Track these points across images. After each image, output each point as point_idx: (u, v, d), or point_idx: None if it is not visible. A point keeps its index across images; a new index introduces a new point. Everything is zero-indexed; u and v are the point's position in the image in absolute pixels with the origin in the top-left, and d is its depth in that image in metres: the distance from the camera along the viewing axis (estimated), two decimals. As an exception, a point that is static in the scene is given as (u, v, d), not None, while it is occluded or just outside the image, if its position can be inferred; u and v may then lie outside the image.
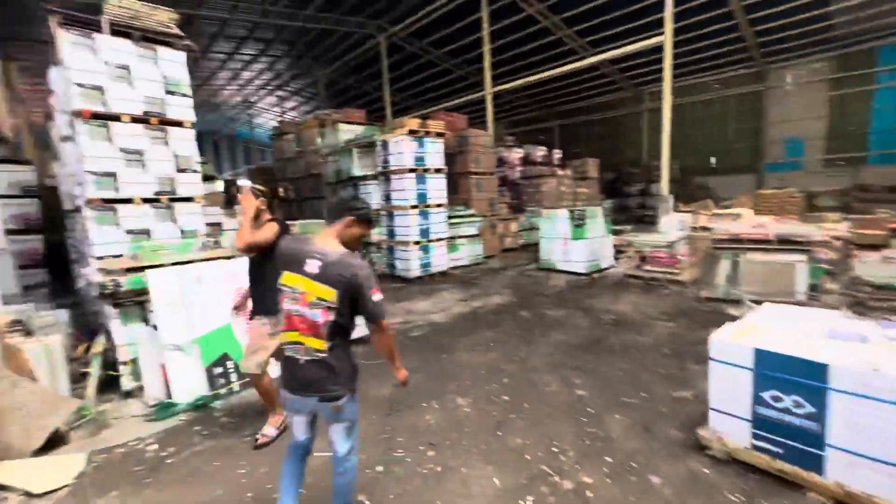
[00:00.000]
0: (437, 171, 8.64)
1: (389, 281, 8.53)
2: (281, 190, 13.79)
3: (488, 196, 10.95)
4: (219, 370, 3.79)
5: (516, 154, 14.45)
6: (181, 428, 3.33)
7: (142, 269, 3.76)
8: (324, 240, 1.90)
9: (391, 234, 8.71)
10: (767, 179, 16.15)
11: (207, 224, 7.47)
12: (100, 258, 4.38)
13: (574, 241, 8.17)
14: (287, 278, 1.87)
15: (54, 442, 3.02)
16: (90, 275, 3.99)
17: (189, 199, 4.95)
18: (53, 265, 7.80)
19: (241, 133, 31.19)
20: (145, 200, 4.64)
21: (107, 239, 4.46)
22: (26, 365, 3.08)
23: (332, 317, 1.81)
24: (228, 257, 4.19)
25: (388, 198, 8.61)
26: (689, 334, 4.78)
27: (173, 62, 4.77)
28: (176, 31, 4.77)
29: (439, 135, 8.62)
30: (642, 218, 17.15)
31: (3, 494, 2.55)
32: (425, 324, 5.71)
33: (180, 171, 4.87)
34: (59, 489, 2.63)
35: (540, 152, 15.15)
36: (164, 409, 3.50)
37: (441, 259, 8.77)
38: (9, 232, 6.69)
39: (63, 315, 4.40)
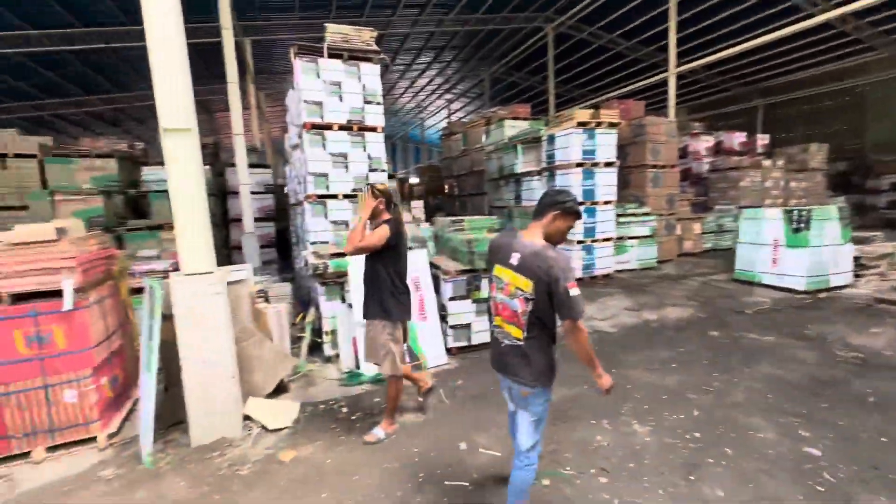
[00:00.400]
0: (608, 164, 7.90)
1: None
2: (446, 187, 14.76)
3: (667, 192, 9.56)
4: (396, 350, 4.18)
5: (705, 142, 12.29)
6: (364, 396, 3.77)
7: (343, 254, 4.39)
8: (530, 234, 1.94)
9: (552, 231, 8.36)
10: None
11: None
12: (313, 243, 5.32)
13: (790, 248, 6.45)
14: (496, 269, 2.01)
15: (279, 389, 3.77)
16: (307, 256, 4.86)
17: (377, 195, 5.60)
18: (280, 247, 9.94)
19: (412, 135, 34.59)
20: (345, 196, 5.43)
21: (318, 228, 5.38)
22: (266, 325, 3.91)
23: (529, 307, 1.86)
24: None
25: (551, 194, 8.27)
26: None
27: (371, 75, 5.43)
28: (374, 47, 5.41)
29: (612, 125, 7.86)
30: (892, 221, 12.75)
31: (249, 423, 3.28)
32: (590, 331, 5.27)
33: (371, 170, 5.54)
34: (283, 429, 3.25)
35: (737, 139, 12.56)
36: (353, 377, 4.02)
37: (606, 261, 8.03)
38: (254, 220, 8.72)
39: (286, 287, 5.49)
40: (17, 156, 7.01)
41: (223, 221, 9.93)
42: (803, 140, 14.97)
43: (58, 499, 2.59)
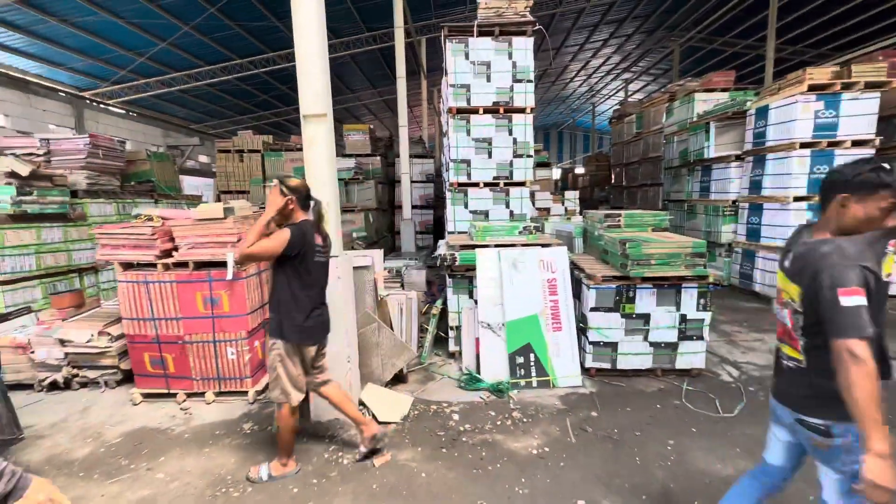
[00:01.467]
0: (858, 143, 5.49)
1: (739, 297, 6.34)
2: (612, 176, 13.00)
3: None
4: (520, 359, 3.64)
5: None
6: (479, 406, 3.37)
7: (473, 247, 4.04)
8: (818, 228, 1.46)
9: (752, 233, 6.36)
10: None
11: (539, 209, 7.80)
12: (450, 233, 5.14)
13: None
14: (778, 274, 1.60)
15: (397, 379, 3.69)
16: (440, 246, 4.69)
17: (521, 183, 5.06)
18: (436, 234, 10.33)
19: (581, 123, 32.19)
20: (486, 184, 5.05)
21: (458, 217, 5.17)
22: (388, 313, 3.88)
23: (800, 322, 1.43)
24: (546, 245, 3.94)
25: (757, 184, 6.27)
26: None
27: (524, 50, 4.85)
28: (528, 17, 4.81)
29: (873, 86, 5.39)
30: None
31: (363, 409, 3.25)
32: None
33: (517, 156, 5.01)
34: (390, 423, 3.12)
35: None
36: (471, 381, 3.66)
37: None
38: (413, 206, 9.19)
39: (422, 275, 5.48)
40: (250, 151, 8.90)
41: (391, 207, 10.87)
42: None
43: (210, 439, 2.99)
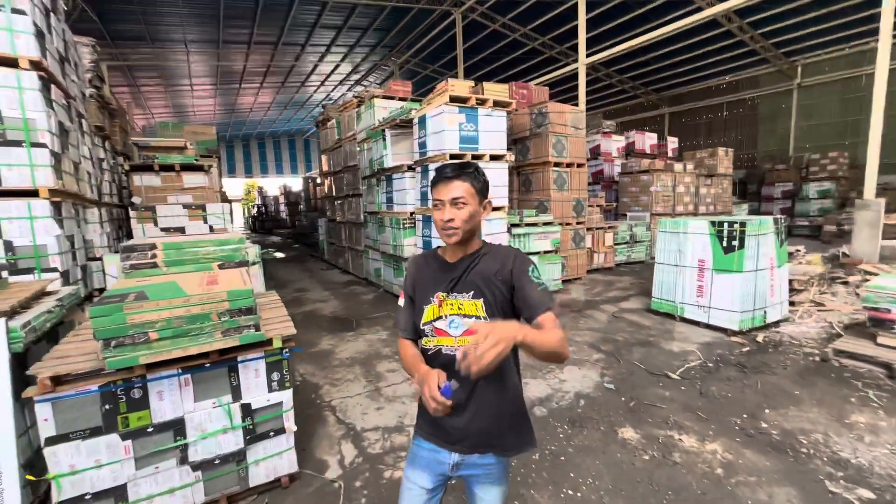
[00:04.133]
0: (495, 158, 5.74)
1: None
2: (325, 187, 11.91)
3: (574, 196, 7.69)
4: None
5: (616, 142, 10.83)
6: None
7: None
8: None
9: (427, 246, 6.04)
10: None
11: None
12: None
13: (720, 273, 4.68)
14: None
15: None
16: None
17: (29, 192, 2.79)
18: None
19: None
20: None
21: None
22: None
23: None
24: None
25: (424, 196, 5.95)
26: None
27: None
28: None
29: (500, 105, 5.70)
30: (790, 230, 12.33)
31: None
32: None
33: (2, 144, 2.72)
34: None
35: (649, 140, 11.30)
36: None
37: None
38: None
39: None
40: None
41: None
42: (706, 148, 14.45)
43: None
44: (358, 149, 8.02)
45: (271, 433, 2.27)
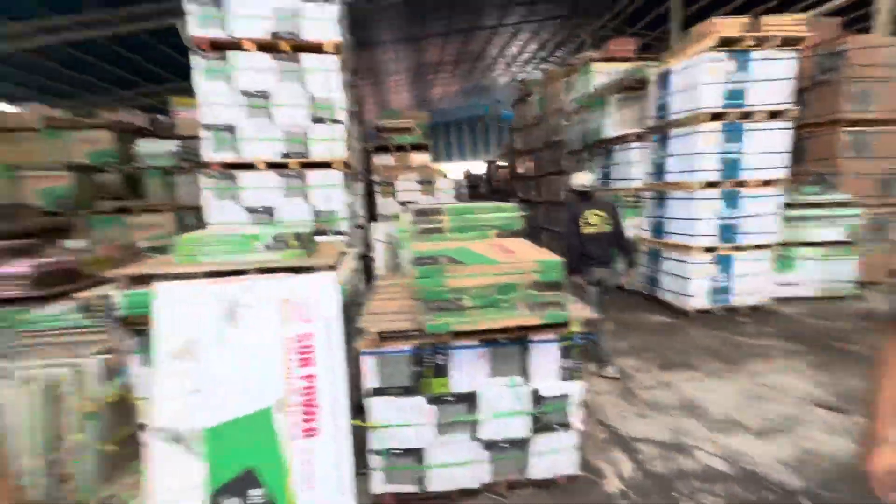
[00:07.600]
0: (774, 115, 4.31)
1: (646, 310, 5.01)
2: (518, 166, 11.66)
3: (882, 168, 5.37)
4: (233, 502, 1.80)
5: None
6: None
7: (176, 276, 2.10)
8: None
9: (657, 230, 5.07)
10: None
11: (403, 203, 5.71)
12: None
13: None
14: None
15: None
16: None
17: (326, 164, 3.21)
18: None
19: (506, 116, 31.30)
20: (269, 165, 3.14)
21: (226, 217, 3.22)
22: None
23: None
24: (302, 269, 2.11)
25: (659, 169, 4.97)
26: None
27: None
28: None
29: (789, 43, 4.20)
30: None
31: None
32: (727, 474, 2.20)
33: (316, 120, 3.14)
34: None
35: None
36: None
37: (756, 282, 4.52)
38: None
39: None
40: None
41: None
42: None
43: None
44: (565, 122, 7.40)
45: (556, 426, 1.98)
